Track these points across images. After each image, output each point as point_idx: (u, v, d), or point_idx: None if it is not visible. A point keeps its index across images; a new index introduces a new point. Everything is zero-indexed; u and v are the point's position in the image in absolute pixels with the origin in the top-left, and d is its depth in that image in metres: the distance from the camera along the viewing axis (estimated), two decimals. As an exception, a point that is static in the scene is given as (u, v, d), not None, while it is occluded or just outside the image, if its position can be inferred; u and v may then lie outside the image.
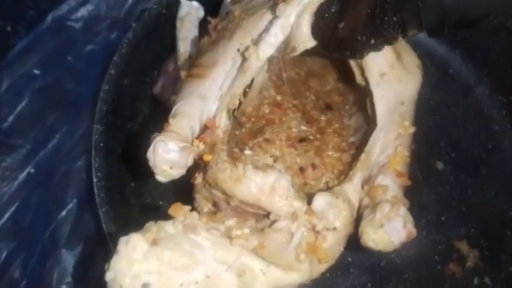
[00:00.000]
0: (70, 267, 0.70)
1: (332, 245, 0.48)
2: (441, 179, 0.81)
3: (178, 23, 0.77)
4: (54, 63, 0.86)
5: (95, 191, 0.62)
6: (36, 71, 0.85)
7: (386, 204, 0.51)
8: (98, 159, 0.64)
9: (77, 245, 0.72)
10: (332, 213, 0.47)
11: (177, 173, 0.49)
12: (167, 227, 0.44)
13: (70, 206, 0.74)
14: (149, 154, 0.48)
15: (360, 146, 0.61)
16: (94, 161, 0.64)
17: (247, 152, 0.56)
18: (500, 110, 0.87)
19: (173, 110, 0.55)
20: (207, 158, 0.51)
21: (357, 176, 0.55)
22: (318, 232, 0.47)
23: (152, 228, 0.44)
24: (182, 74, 0.68)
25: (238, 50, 0.56)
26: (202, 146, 0.53)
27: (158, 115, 0.81)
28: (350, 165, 0.60)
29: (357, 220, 0.55)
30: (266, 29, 0.56)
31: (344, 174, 0.58)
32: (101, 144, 0.65)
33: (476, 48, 0.88)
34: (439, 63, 0.90)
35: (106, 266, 0.42)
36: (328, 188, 0.57)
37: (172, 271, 0.41)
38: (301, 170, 0.58)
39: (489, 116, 0.87)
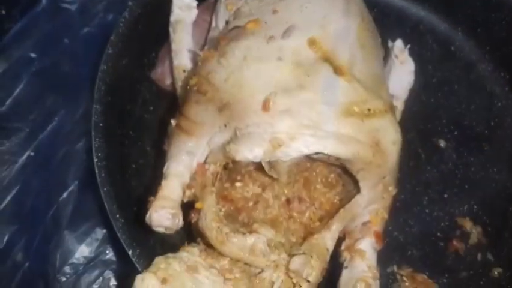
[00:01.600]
0: (73, 248, 0.71)
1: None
2: (444, 157, 0.81)
3: (171, 30, 0.77)
4: (51, 46, 0.85)
5: (96, 171, 0.62)
6: (32, 55, 0.84)
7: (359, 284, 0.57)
8: (98, 139, 0.63)
9: (80, 227, 0.72)
10: (306, 272, 0.54)
11: (171, 232, 0.59)
12: (174, 264, 0.53)
13: (71, 187, 0.74)
14: (147, 220, 0.58)
15: (341, 199, 0.63)
16: (93, 142, 0.63)
17: (238, 184, 0.62)
18: (503, 87, 0.86)
19: (165, 168, 0.61)
20: (199, 206, 0.58)
21: (336, 226, 0.59)
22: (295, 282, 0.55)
23: (162, 265, 0.52)
24: (178, 91, 0.72)
25: (225, 126, 0.58)
26: (191, 192, 0.60)
27: (157, 99, 0.82)
28: (335, 206, 0.63)
29: (332, 261, 0.59)
30: (254, 126, 0.56)
31: (327, 216, 0.61)
32: (101, 125, 0.65)
33: (478, 25, 0.87)
34: (441, 40, 0.89)
35: None
36: (310, 223, 0.62)
37: None
38: (288, 201, 0.62)
39: (492, 93, 0.86)
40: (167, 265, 0.52)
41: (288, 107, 0.55)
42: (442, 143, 0.82)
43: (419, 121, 0.82)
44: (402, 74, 0.78)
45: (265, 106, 0.55)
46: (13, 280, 0.69)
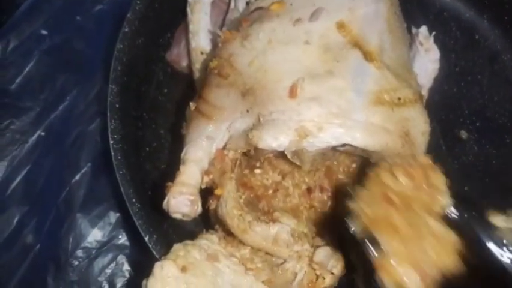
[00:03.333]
0: (86, 232, 0.69)
1: (329, 285, 0.55)
2: (465, 149, 0.79)
3: (188, 10, 0.73)
4: (63, 23, 0.83)
5: (112, 153, 0.60)
6: (43, 31, 0.81)
7: None
8: (113, 120, 0.61)
9: (92, 210, 0.70)
10: (331, 264, 0.53)
11: (189, 218, 0.57)
12: (194, 251, 0.52)
13: (84, 169, 0.72)
14: (165, 206, 0.56)
15: None
16: (109, 123, 0.61)
17: (257, 171, 0.60)
18: (527, 78, 0.83)
19: (183, 153, 0.59)
20: (218, 192, 0.56)
21: None
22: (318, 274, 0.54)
23: (181, 252, 0.51)
24: (195, 74, 0.70)
25: (247, 111, 0.55)
26: (210, 178, 0.58)
27: (172, 80, 0.80)
28: None
29: None
30: (279, 112, 0.53)
31: None
32: (117, 106, 0.62)
33: (505, 12, 0.84)
34: (465, 28, 0.86)
35: (143, 284, 0.50)
36: (332, 212, 0.59)
37: None
38: (309, 190, 0.60)
39: (516, 84, 0.83)
40: (186, 253, 0.51)
41: (316, 94, 0.52)
42: (464, 135, 0.80)
43: (440, 111, 0.80)
44: (427, 61, 0.76)
45: (292, 92, 0.52)
46: (23, 263, 0.68)
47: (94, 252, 0.69)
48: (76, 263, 0.69)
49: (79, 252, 0.69)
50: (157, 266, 0.49)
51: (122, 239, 0.70)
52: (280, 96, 0.53)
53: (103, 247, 0.70)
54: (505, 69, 0.84)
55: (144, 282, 0.49)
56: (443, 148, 0.78)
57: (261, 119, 0.54)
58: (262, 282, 0.53)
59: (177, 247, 0.52)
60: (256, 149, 0.56)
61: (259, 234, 0.52)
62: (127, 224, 0.70)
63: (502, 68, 0.84)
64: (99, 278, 0.68)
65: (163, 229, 0.64)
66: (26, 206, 0.71)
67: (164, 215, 0.58)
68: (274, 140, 0.52)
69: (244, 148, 0.57)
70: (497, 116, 0.81)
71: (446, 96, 0.81)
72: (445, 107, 0.81)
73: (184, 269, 0.49)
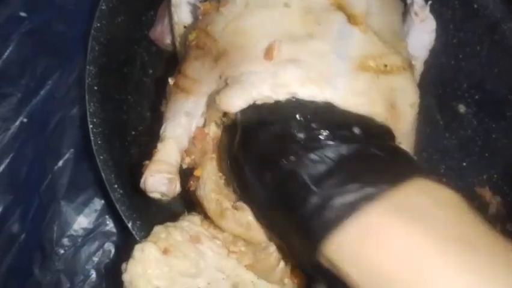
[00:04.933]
0: (71, 219, 0.67)
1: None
2: (464, 123, 0.76)
3: None
4: (42, 4, 0.79)
5: (92, 138, 0.57)
6: (22, 13, 0.78)
7: None
8: (92, 104, 0.59)
9: (77, 197, 0.68)
10: None
11: (167, 198, 0.54)
12: (175, 233, 0.50)
13: (67, 156, 0.69)
14: (142, 185, 0.53)
15: None
16: (88, 106, 0.58)
17: None
18: (529, 48, 0.80)
19: (162, 130, 0.56)
20: (197, 173, 0.54)
21: None
22: None
23: (162, 234, 0.49)
24: (178, 50, 0.67)
25: (220, 77, 0.51)
26: (191, 159, 0.56)
27: (157, 61, 0.77)
28: None
29: None
30: (251, 74, 0.49)
31: None
32: (96, 88, 0.60)
33: (505, -21, 0.80)
34: (463, -3, 0.82)
35: (122, 267, 0.48)
36: None
37: (180, 277, 0.48)
38: None
39: (517, 55, 0.80)
40: (167, 234, 0.49)
41: (295, 56, 0.48)
42: (462, 109, 0.77)
43: (437, 85, 0.77)
44: (422, 32, 0.72)
45: (268, 54, 0.48)
46: (9, 252, 0.66)
47: (80, 240, 0.67)
48: (62, 251, 0.67)
49: (65, 241, 0.67)
50: (137, 248, 0.47)
51: (109, 226, 0.69)
52: (254, 57, 0.49)
53: (89, 235, 0.68)
54: (505, 38, 0.80)
55: (124, 265, 0.47)
56: (441, 123, 0.76)
57: (229, 81, 0.50)
58: (245, 266, 0.51)
59: (158, 229, 0.50)
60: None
61: (234, 220, 0.50)
62: (113, 210, 0.68)
63: (502, 38, 0.80)
64: (86, 266, 0.66)
65: (149, 215, 0.62)
66: (10, 195, 0.69)
67: (147, 198, 0.55)
68: (240, 99, 0.48)
69: (216, 116, 0.54)
70: (497, 88, 0.77)
71: (444, 69, 0.78)
72: (442, 80, 0.78)
73: (165, 251, 0.47)
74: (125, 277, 0.47)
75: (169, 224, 0.51)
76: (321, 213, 0.41)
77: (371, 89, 0.49)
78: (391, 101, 0.50)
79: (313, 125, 0.45)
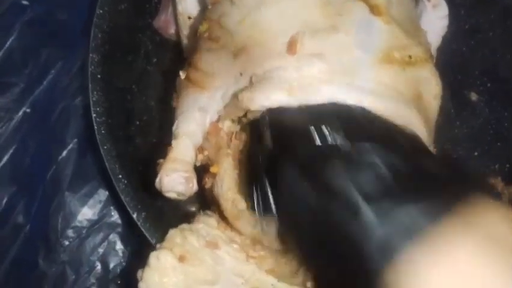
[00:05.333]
0: (75, 210, 0.66)
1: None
2: (476, 111, 0.74)
3: None
4: (45, -8, 0.78)
5: (95, 127, 0.56)
6: (24, 2, 0.77)
7: None
8: (96, 92, 0.58)
9: (81, 188, 0.67)
10: None
11: (184, 197, 0.52)
12: (191, 238, 0.48)
13: (71, 146, 0.68)
14: (157, 185, 0.51)
15: None
16: (91, 95, 0.57)
17: None
18: (543, 34, 0.77)
19: (174, 127, 0.54)
20: (214, 170, 0.52)
21: None
22: None
23: (177, 239, 0.48)
24: (183, 41, 0.65)
25: (241, 74, 0.49)
26: (205, 155, 0.54)
27: (161, 50, 0.76)
28: None
29: None
30: (275, 70, 0.47)
31: None
32: (99, 76, 0.59)
33: (519, -38, 0.77)
34: (475, -19, 0.80)
35: (138, 275, 0.47)
36: None
37: (196, 285, 0.47)
38: None
39: (531, 41, 0.77)
40: (183, 239, 0.48)
41: (319, 50, 0.47)
42: (474, 96, 0.75)
43: (448, 72, 0.74)
44: (434, 18, 0.70)
45: (291, 48, 0.46)
46: (14, 244, 0.66)
47: (84, 231, 0.67)
48: (67, 243, 0.66)
49: (70, 232, 0.66)
50: (153, 256, 0.46)
51: (114, 217, 0.68)
52: (276, 53, 0.47)
53: (94, 226, 0.67)
54: (518, 25, 0.79)
55: (139, 273, 0.46)
56: (452, 111, 0.74)
57: (253, 79, 0.48)
58: (265, 271, 0.49)
59: (173, 233, 0.48)
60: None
61: (249, 223, 0.48)
62: (118, 201, 0.67)
63: (515, 23, 0.79)
64: (91, 258, 0.66)
65: (155, 206, 0.61)
66: (14, 186, 0.68)
67: (156, 192, 0.54)
68: (266, 98, 0.46)
69: (236, 114, 0.52)
70: (510, 76, 0.76)
71: (455, 56, 0.76)
72: (454, 67, 0.75)
73: (181, 259, 0.46)
74: (142, 286, 0.46)
75: (184, 226, 0.49)
76: (379, 234, 0.36)
77: (399, 82, 0.48)
78: (418, 93, 0.49)
79: (354, 135, 0.42)
